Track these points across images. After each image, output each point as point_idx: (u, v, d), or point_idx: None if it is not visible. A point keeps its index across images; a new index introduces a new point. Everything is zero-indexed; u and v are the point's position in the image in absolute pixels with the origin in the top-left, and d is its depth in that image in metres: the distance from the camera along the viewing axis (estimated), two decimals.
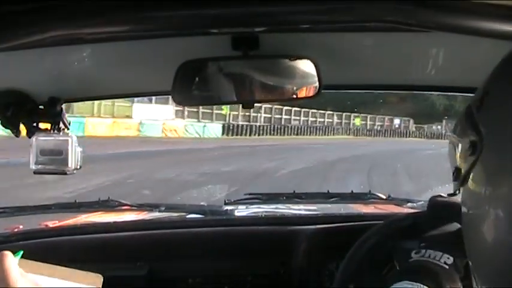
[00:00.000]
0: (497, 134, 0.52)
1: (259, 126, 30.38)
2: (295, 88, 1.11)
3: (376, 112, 37.57)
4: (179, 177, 10.65)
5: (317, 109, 33.93)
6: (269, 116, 31.65)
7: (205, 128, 27.61)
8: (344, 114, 36.26)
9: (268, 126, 30.90)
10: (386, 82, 1.39)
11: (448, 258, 0.99)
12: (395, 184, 10.55)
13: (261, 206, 1.94)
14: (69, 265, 0.71)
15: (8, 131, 1.23)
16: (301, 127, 32.99)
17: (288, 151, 18.90)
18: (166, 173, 11.01)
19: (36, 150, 1.25)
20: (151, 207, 1.89)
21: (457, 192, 0.60)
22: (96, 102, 19.28)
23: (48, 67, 1.17)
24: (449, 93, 1.39)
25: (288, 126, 32.05)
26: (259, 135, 28.85)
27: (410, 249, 1.05)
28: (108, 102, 21.97)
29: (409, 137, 36.78)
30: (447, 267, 0.98)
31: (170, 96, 1.11)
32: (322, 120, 35.72)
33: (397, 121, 39.82)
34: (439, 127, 40.35)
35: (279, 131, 30.95)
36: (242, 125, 29.30)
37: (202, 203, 2.24)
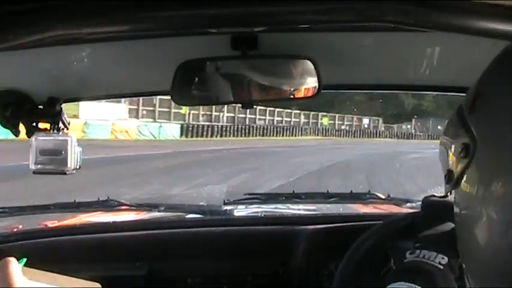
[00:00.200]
0: (490, 136, 0.52)
1: (222, 126, 27.71)
2: (294, 88, 1.11)
3: (345, 111, 36.13)
4: None
5: (283, 108, 31.70)
6: (232, 115, 28.82)
7: (161, 128, 24.42)
8: (311, 113, 34.32)
9: (232, 127, 28.13)
10: (386, 82, 1.39)
11: (443, 258, 0.99)
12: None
13: (261, 206, 1.94)
14: (69, 265, 0.71)
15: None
16: (266, 127, 30.62)
17: (254, 157, 15.88)
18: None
19: (36, 150, 1.24)
20: (150, 207, 1.89)
21: (449, 194, 0.60)
22: None
23: (47, 67, 1.17)
24: (450, 94, 1.39)
25: (252, 127, 29.48)
26: (221, 136, 26.33)
27: (405, 250, 1.05)
28: None
29: (379, 137, 35.65)
30: (442, 267, 0.98)
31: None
32: (289, 119, 33.45)
33: (366, 121, 38.49)
34: (408, 126, 39.77)
35: (243, 131, 28.25)
36: (203, 126, 26.51)
37: (201, 203, 2.23)
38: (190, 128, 25.70)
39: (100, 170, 9.76)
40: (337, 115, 36.46)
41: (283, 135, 30.52)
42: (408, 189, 8.39)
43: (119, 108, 23.26)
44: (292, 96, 1.13)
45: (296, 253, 1.54)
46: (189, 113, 26.23)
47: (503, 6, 0.62)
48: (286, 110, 32.89)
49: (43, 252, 1.46)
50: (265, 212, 1.91)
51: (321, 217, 1.77)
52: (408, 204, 1.83)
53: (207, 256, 1.58)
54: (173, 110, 25.32)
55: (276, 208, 1.98)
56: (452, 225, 0.99)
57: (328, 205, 2.01)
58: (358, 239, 1.21)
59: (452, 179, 0.58)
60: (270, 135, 29.35)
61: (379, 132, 37.77)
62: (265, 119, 31.63)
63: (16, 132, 1.25)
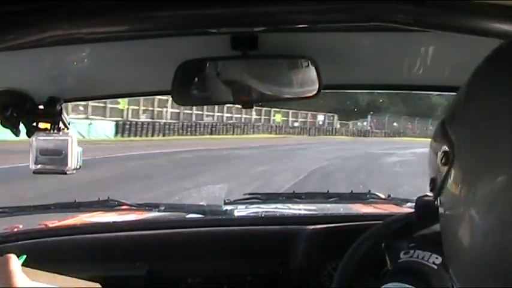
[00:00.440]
0: (466, 142, 0.53)
1: (165, 123, 24.34)
2: (294, 88, 1.11)
3: (299, 107, 32.47)
4: None
5: (233, 103, 29.78)
6: (177, 111, 25.21)
7: (91, 126, 19.99)
8: (263, 109, 30.63)
9: (176, 124, 24.87)
10: (386, 82, 1.39)
11: (437, 258, 0.98)
12: None
13: (261, 205, 1.94)
14: (69, 265, 0.71)
15: None
16: (215, 124, 27.42)
17: (201, 165, 12.16)
18: None
19: (36, 150, 1.25)
20: (150, 207, 1.89)
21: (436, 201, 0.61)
22: None
23: (47, 67, 1.17)
24: (451, 94, 1.38)
25: (199, 124, 26.43)
26: (164, 135, 23.14)
27: (399, 250, 1.05)
28: None
29: (334, 134, 33.51)
30: (436, 267, 0.97)
31: None
32: (239, 116, 29.58)
33: (321, 117, 35.85)
34: (364, 123, 37.77)
35: (189, 129, 25.21)
36: (142, 123, 22.95)
37: (201, 203, 2.23)
38: (127, 126, 22.05)
39: None
40: (290, 111, 33.37)
41: (233, 133, 27.84)
42: None
43: None
44: (292, 97, 1.13)
45: (296, 253, 1.54)
46: (128, 108, 23.09)
47: (503, 6, 0.62)
48: (236, 106, 27.76)
49: (43, 252, 1.46)
50: (265, 212, 1.90)
51: (321, 217, 1.77)
52: (408, 204, 1.82)
53: (207, 256, 1.58)
54: (109, 105, 22.01)
55: (276, 208, 1.98)
56: None
57: (328, 205, 2.01)
58: (358, 239, 1.21)
59: (435, 187, 0.59)
60: (218, 134, 26.67)
61: (335, 129, 35.87)
62: (213, 116, 28.37)
63: (16, 132, 1.25)
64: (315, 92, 1.09)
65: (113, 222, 1.78)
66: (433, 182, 0.60)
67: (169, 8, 0.65)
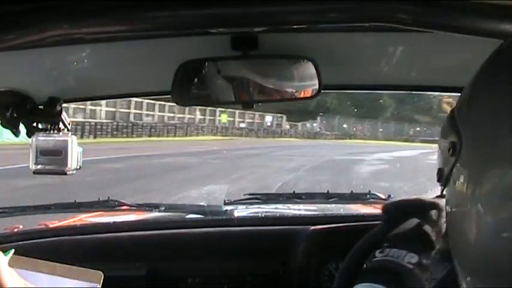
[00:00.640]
0: (475, 134, 0.54)
1: (97, 124, 21.78)
2: (294, 88, 1.11)
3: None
4: None
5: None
6: (113, 110, 22.87)
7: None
8: (208, 109, 27.55)
9: (111, 125, 22.49)
10: (387, 82, 1.38)
11: (412, 257, 0.96)
12: None
13: (261, 206, 1.94)
14: (69, 265, 0.71)
15: None
16: (155, 125, 25.19)
17: (129, 185, 8.89)
18: None
19: (36, 150, 1.25)
20: (150, 207, 1.89)
21: (444, 193, 0.61)
22: None
23: (47, 67, 1.17)
24: (452, 94, 1.38)
25: (137, 124, 23.94)
26: (95, 137, 20.52)
27: (376, 248, 1.04)
28: None
29: (283, 136, 31.49)
30: (411, 266, 0.95)
31: None
32: (182, 116, 27.52)
33: (268, 118, 33.52)
34: (314, 125, 35.32)
35: (124, 130, 22.76)
36: (71, 123, 17.65)
37: (202, 203, 2.23)
38: None
39: None
40: (237, 111, 30.47)
41: (174, 135, 25.42)
42: None
43: None
44: (291, 97, 1.13)
45: (296, 253, 1.54)
46: None
47: (502, 6, 0.62)
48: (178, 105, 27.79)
49: (43, 252, 1.46)
50: (266, 212, 1.90)
51: (321, 217, 1.77)
52: None
53: (207, 256, 1.58)
54: None
55: (276, 208, 1.98)
56: (417, 220, 0.98)
57: (329, 205, 2.01)
58: (359, 240, 1.20)
59: (442, 177, 0.60)
60: (159, 135, 24.20)
61: (284, 130, 33.65)
62: (153, 115, 26.03)
63: (16, 132, 1.25)
64: (315, 92, 1.09)
65: (113, 222, 1.78)
66: (440, 172, 0.60)
67: (169, 8, 0.65)
